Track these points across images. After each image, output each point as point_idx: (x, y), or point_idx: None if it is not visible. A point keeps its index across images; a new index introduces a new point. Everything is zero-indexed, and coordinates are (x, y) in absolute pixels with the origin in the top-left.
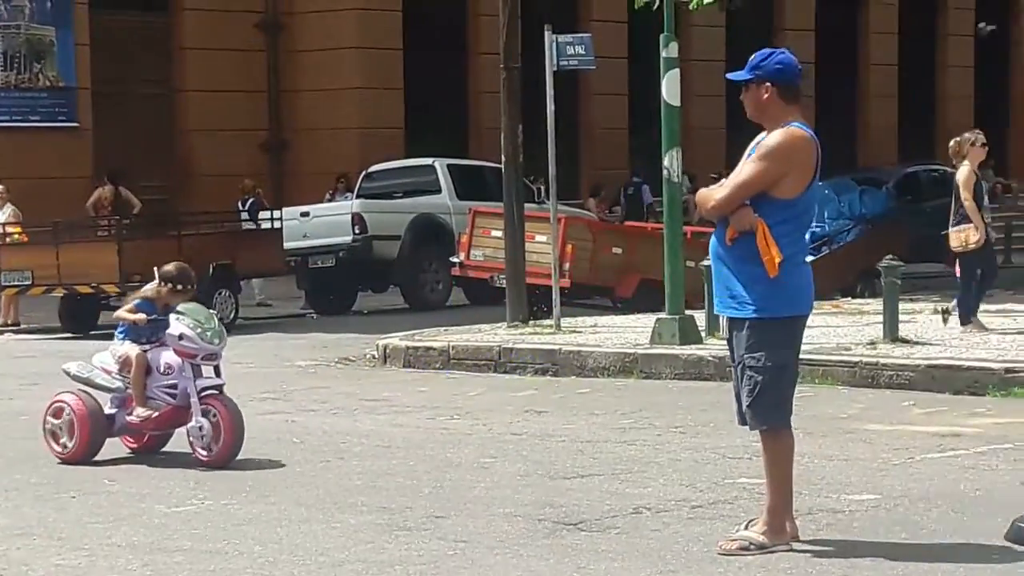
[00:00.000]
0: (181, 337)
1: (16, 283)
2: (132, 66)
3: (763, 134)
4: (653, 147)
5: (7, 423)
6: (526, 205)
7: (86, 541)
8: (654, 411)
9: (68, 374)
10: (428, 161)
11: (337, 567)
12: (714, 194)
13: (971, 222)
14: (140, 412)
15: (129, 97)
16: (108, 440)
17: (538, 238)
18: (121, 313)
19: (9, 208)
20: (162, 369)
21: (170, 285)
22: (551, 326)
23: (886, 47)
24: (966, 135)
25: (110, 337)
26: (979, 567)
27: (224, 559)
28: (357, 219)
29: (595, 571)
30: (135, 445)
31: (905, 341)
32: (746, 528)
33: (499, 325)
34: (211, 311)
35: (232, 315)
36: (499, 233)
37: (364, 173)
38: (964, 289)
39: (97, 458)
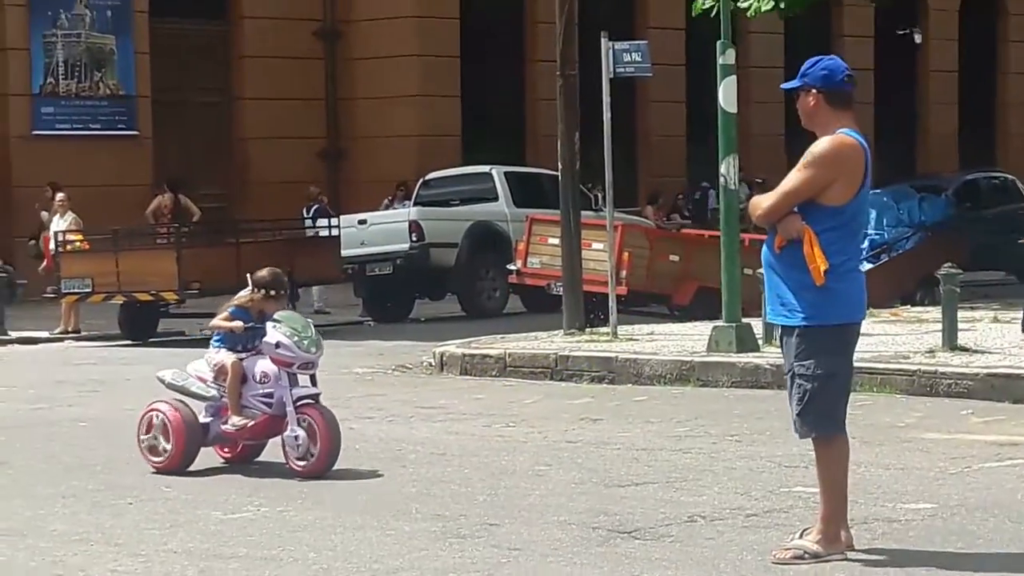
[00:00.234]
0: (278, 345)
1: (76, 290)
2: (191, 74)
3: None
4: (711, 154)
5: (66, 430)
6: (583, 212)
7: (142, 547)
8: (710, 419)
9: (163, 382)
10: (485, 169)
11: (391, 574)
12: (763, 202)
13: None
14: (235, 421)
15: (188, 105)
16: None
17: (595, 245)
18: (217, 321)
19: (70, 216)
20: (258, 378)
21: (264, 291)
22: (608, 334)
23: (946, 53)
24: None
25: (170, 344)
26: None
27: (278, 565)
28: (414, 227)
29: None
30: (229, 455)
31: (964, 349)
32: (800, 537)
33: (556, 333)
34: (308, 319)
35: None
36: (556, 240)
37: (421, 181)
38: None
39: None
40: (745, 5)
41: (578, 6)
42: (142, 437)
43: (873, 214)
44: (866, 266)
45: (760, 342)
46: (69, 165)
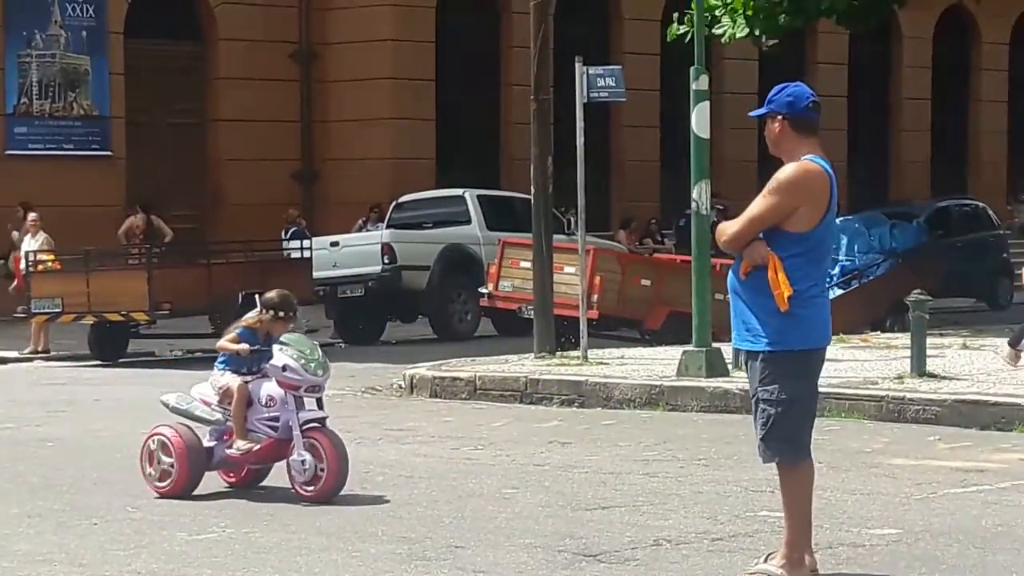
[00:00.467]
0: (285, 368)
1: (47, 310)
2: (165, 95)
3: None
4: (684, 179)
5: (33, 450)
6: (555, 236)
7: (106, 568)
8: (678, 443)
9: (167, 406)
10: (458, 192)
11: None
12: (728, 228)
13: None
14: (241, 445)
15: (162, 126)
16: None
17: (567, 269)
18: (224, 343)
19: (42, 236)
20: (264, 401)
21: (272, 312)
22: (578, 357)
23: (919, 81)
24: None
25: (140, 365)
26: None
27: None
28: (387, 249)
29: None
30: (233, 479)
31: (933, 376)
32: (765, 561)
33: (526, 356)
34: (314, 342)
35: None
36: (528, 264)
37: (394, 203)
38: None
39: (196, 492)
40: (719, 32)
41: (553, 31)
42: (145, 462)
43: (844, 240)
44: (837, 292)
45: (730, 367)
46: (42, 185)
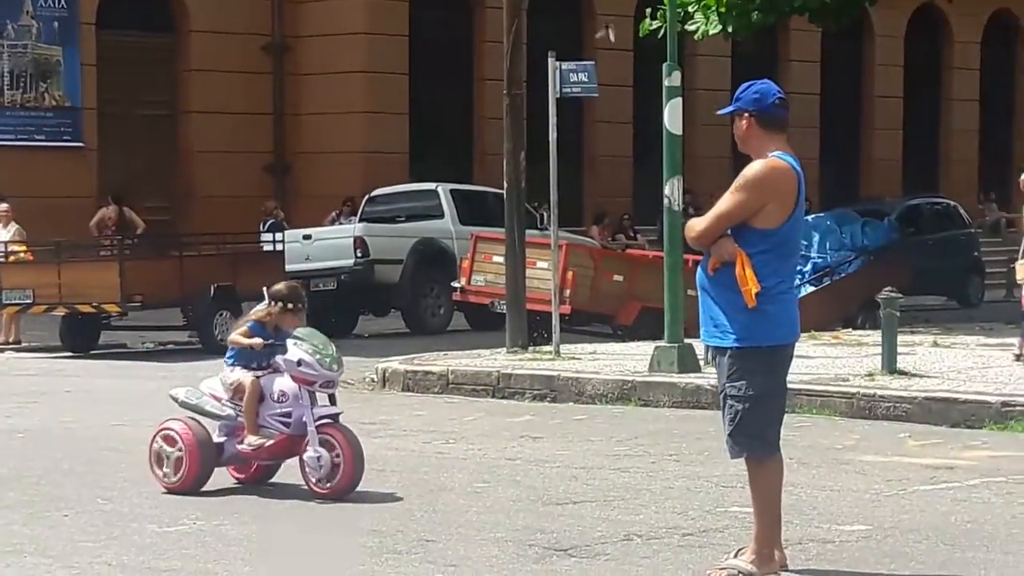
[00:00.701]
0: (300, 363)
1: (17, 301)
2: (137, 86)
3: None
4: (657, 176)
5: (3, 441)
6: (528, 231)
7: (76, 559)
8: (650, 439)
9: (176, 400)
10: (431, 186)
11: None
12: (696, 225)
13: None
14: (252, 441)
15: (134, 117)
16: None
17: (539, 264)
18: (235, 337)
19: (13, 227)
20: (276, 396)
21: (280, 304)
22: (551, 352)
23: (891, 79)
24: None
25: (111, 357)
26: None
27: None
28: (359, 243)
29: None
30: (242, 476)
31: (903, 373)
32: (735, 556)
33: (499, 351)
34: (327, 337)
35: None
36: (500, 259)
37: (367, 197)
38: None
39: (204, 489)
40: (692, 28)
41: (526, 26)
42: (154, 456)
43: (816, 237)
44: (809, 289)
45: (701, 363)
46: (13, 176)
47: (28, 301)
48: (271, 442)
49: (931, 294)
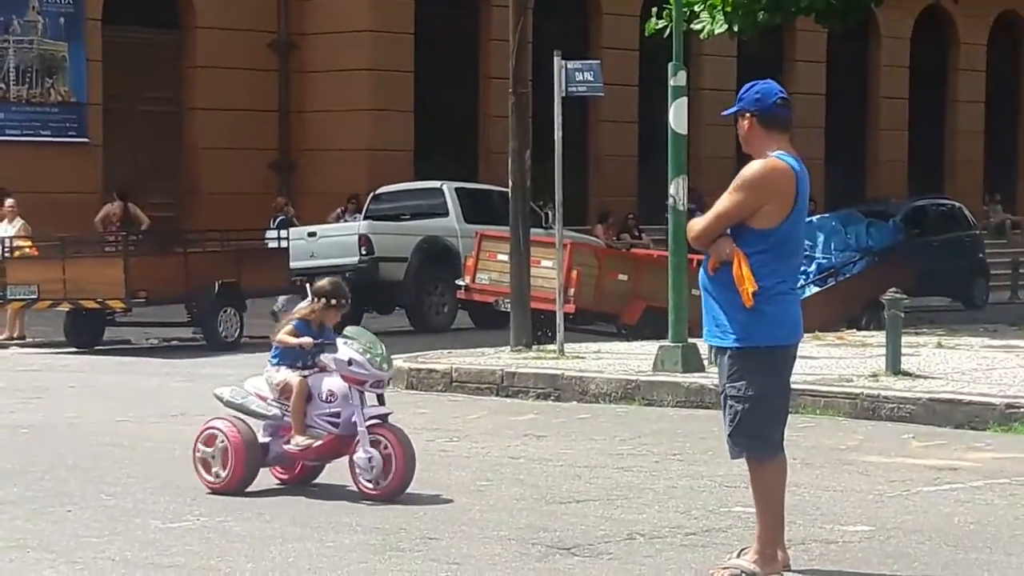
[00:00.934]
0: (351, 363)
1: (22, 296)
2: (143, 83)
3: None
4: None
5: (7, 436)
6: (533, 230)
7: (79, 554)
8: (653, 438)
9: (220, 400)
10: (436, 184)
11: None
12: (696, 224)
13: None
14: (300, 441)
15: (139, 114)
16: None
17: (544, 263)
18: (283, 337)
19: (19, 222)
20: (324, 396)
21: (324, 300)
22: (554, 351)
23: (897, 81)
24: None
25: (115, 353)
26: None
27: (216, 575)
28: (364, 240)
29: None
30: (285, 476)
31: (907, 374)
32: (738, 556)
33: (503, 349)
34: (375, 335)
35: (237, 333)
36: (505, 257)
37: (372, 195)
38: None
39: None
40: (698, 27)
41: (532, 25)
42: (198, 456)
43: (821, 238)
44: (813, 289)
45: (705, 362)
46: (18, 171)
47: (33, 296)
48: (319, 442)
49: (936, 295)
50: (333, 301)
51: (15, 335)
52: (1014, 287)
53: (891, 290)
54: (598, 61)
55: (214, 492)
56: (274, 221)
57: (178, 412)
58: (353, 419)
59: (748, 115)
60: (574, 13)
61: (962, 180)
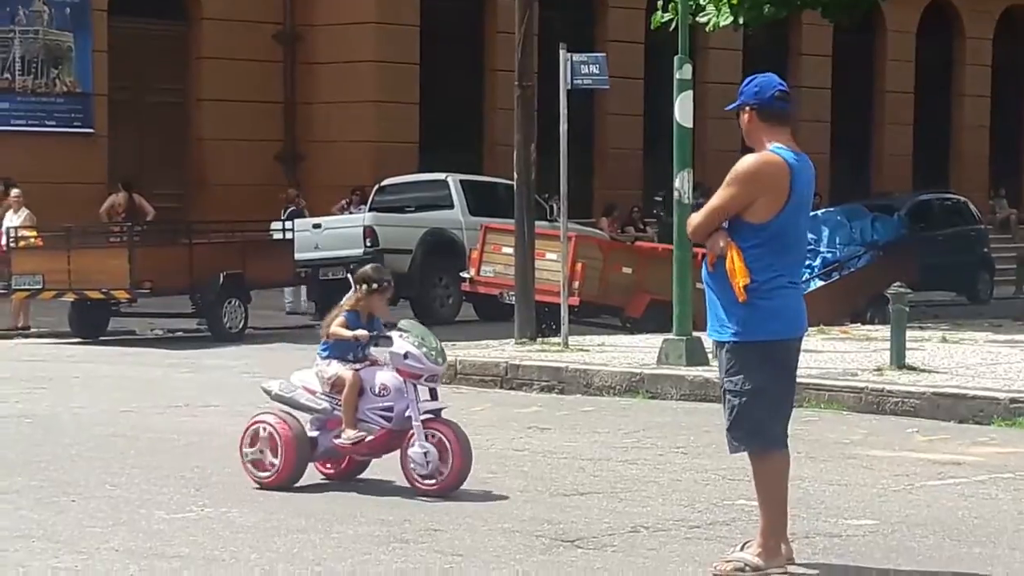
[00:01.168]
0: (407, 356)
1: (27, 287)
2: (149, 73)
3: None
4: (667, 168)
5: (12, 426)
6: (538, 222)
7: (83, 544)
8: (657, 431)
9: (269, 393)
10: (441, 176)
11: None
12: (694, 219)
13: None
14: (351, 435)
15: (145, 104)
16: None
17: (548, 255)
18: (337, 330)
19: (24, 212)
20: (377, 390)
21: (366, 286)
22: (559, 344)
23: (902, 75)
24: None
25: (120, 343)
26: None
27: (220, 566)
28: (368, 232)
29: None
30: (332, 471)
31: (912, 368)
32: (742, 549)
33: (507, 341)
34: (428, 328)
35: (241, 324)
36: (510, 250)
37: (377, 187)
38: None
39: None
40: (703, 20)
41: (538, 18)
42: (246, 451)
43: (826, 232)
44: (818, 283)
45: (709, 356)
46: (24, 161)
47: (38, 287)
48: (371, 437)
49: (940, 290)
50: (375, 285)
51: (20, 325)
52: (1019, 282)
53: (895, 284)
54: (604, 54)
55: (263, 487)
56: (285, 212)
57: (182, 403)
58: (407, 413)
59: (748, 109)
60: (580, 6)
61: (967, 175)
